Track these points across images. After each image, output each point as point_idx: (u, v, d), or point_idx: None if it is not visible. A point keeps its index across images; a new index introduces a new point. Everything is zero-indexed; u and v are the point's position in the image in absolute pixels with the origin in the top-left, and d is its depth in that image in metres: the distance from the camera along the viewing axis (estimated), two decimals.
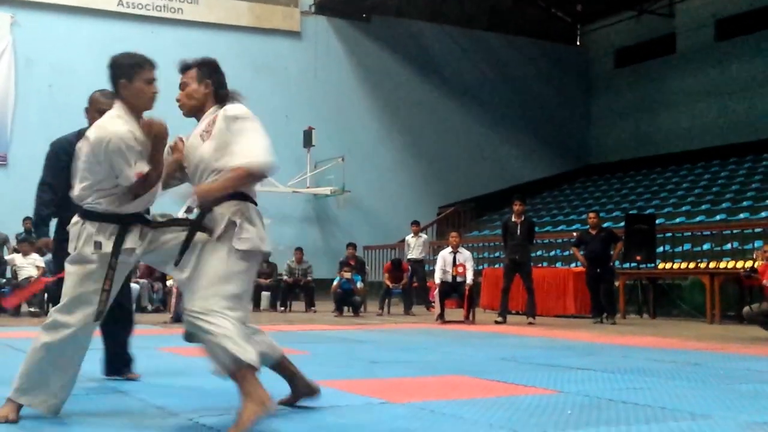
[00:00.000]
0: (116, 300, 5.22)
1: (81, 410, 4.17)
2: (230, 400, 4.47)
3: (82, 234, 3.72)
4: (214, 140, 3.70)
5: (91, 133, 3.72)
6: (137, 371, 5.23)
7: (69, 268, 3.77)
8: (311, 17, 21.84)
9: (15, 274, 13.52)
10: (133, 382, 5.06)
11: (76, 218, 3.80)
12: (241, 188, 3.67)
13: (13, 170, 16.93)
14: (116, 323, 5.08)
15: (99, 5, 19.17)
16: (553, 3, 24.06)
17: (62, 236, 4.91)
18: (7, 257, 13.87)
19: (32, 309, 12.75)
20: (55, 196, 4.99)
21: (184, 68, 3.92)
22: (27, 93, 18.19)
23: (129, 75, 3.75)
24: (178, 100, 3.89)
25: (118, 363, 5.19)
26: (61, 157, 4.96)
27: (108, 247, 3.69)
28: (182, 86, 3.92)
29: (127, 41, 19.70)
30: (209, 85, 3.87)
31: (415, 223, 15.84)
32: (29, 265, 13.00)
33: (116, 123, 3.70)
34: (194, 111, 3.90)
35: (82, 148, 3.76)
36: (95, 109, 5.01)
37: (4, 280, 13.71)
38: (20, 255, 13.20)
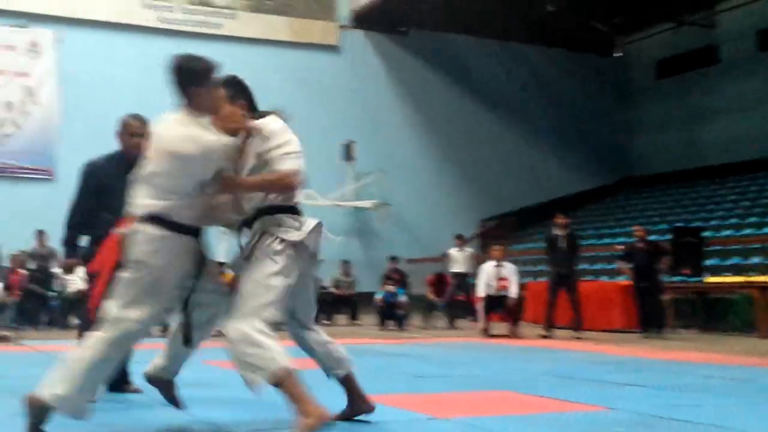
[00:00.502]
0: None
1: (130, 424, 4.19)
2: (274, 413, 4.46)
3: (164, 248, 3.61)
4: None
5: (182, 146, 3.58)
6: (183, 384, 5.25)
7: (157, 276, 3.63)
8: (349, 31, 21.93)
9: (64, 287, 13.69)
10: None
11: (155, 230, 3.61)
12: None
13: (60, 184, 17.17)
14: None
15: (140, 22, 19.46)
16: (591, 15, 23.86)
17: (93, 253, 5.06)
18: (55, 271, 14.04)
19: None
20: (84, 218, 5.13)
21: None
22: (71, 108, 18.48)
23: (202, 81, 3.70)
24: None
25: (121, 379, 5.26)
26: (90, 182, 5.12)
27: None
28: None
29: (167, 57, 20.27)
30: (244, 106, 3.88)
31: (459, 236, 15.79)
32: (78, 279, 13.13)
33: (207, 135, 3.64)
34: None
35: (161, 160, 3.63)
36: (128, 132, 5.17)
37: (54, 293, 13.87)
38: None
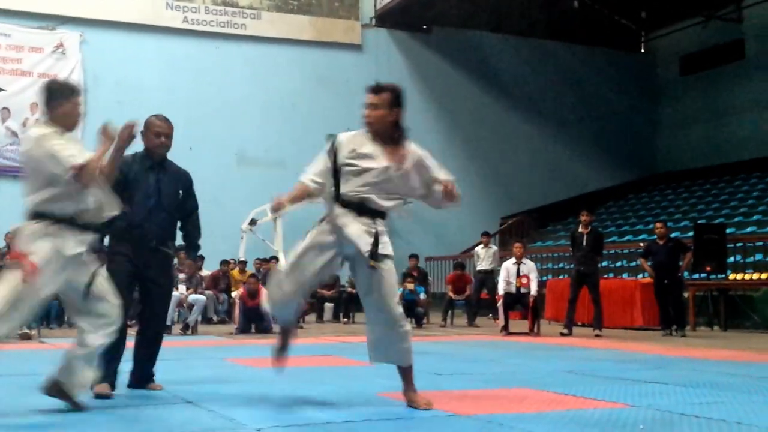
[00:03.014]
0: (149, 316, 5.38)
1: (152, 419, 4.23)
2: (297, 410, 4.50)
3: None
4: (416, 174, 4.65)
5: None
6: (203, 380, 5.30)
7: None
8: (372, 30, 21.94)
9: None
10: (199, 392, 5.11)
11: None
12: None
13: None
14: (147, 338, 5.28)
15: (164, 23, 19.55)
16: (617, 10, 23.72)
17: (112, 250, 5.09)
18: None
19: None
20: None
21: (378, 90, 4.24)
22: (96, 109, 18.14)
23: None
24: (367, 117, 4.26)
25: (142, 376, 5.30)
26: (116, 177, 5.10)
27: None
28: (372, 106, 4.24)
29: (192, 57, 20.47)
30: (395, 114, 4.26)
31: (485, 234, 15.79)
32: None
33: None
34: (378, 133, 4.28)
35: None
36: (152, 132, 5.23)
37: None
38: None
